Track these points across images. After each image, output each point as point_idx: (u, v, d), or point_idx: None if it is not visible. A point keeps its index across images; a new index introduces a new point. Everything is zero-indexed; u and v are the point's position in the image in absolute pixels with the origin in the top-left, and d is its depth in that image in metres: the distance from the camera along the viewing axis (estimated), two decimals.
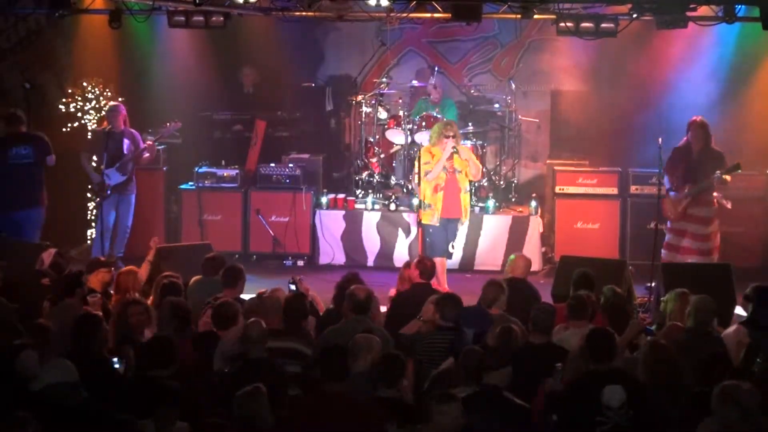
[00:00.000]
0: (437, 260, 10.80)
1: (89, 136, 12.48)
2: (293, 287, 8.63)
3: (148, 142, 12.08)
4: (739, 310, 9.28)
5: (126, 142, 11.92)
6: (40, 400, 5.91)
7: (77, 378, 6.18)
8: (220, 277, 8.82)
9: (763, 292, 7.89)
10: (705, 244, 11.00)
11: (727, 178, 10.89)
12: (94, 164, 12.13)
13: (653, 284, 10.53)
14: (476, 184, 12.29)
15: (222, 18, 11.46)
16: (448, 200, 10.86)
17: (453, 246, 11.11)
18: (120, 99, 13.04)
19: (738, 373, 6.55)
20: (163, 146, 12.97)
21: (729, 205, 11.07)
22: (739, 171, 10.99)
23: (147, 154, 12.09)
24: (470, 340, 7.32)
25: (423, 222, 11.04)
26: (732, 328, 8.01)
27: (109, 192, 11.81)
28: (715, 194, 11.03)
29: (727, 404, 5.77)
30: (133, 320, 7.69)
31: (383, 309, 8.93)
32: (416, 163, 12.09)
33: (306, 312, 8.02)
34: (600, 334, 6.63)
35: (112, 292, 9.07)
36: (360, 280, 8.57)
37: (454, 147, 10.71)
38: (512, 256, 9.58)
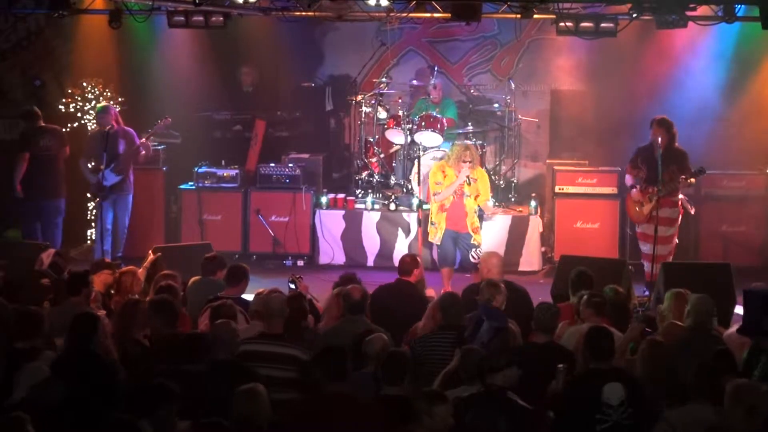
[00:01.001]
0: (443, 270, 10.97)
1: (87, 140, 12.38)
2: (293, 286, 8.64)
3: (142, 140, 12.06)
4: (739, 310, 9.27)
5: (121, 141, 11.88)
6: (24, 408, 5.93)
7: (47, 374, 6.32)
8: (221, 276, 8.84)
9: (751, 297, 7.88)
10: (665, 248, 10.94)
11: (692, 180, 10.93)
12: (90, 165, 12.09)
13: (646, 292, 10.56)
14: None
15: (222, 18, 11.47)
16: (452, 219, 10.90)
17: (474, 256, 10.81)
18: (120, 99, 13.05)
19: (741, 373, 6.56)
20: (162, 146, 12.98)
21: (693, 211, 11.06)
22: (704, 174, 11.02)
23: (143, 152, 12.09)
24: (485, 334, 7.25)
25: (428, 239, 11.25)
26: (734, 328, 8.01)
27: (106, 193, 11.80)
28: (681, 196, 11.00)
29: (739, 404, 5.79)
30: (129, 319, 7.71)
31: None
32: (416, 163, 12.14)
33: (305, 312, 8.04)
34: (599, 332, 6.63)
35: (113, 292, 9.07)
36: (357, 279, 8.57)
37: (468, 176, 10.72)
38: (483, 255, 9.57)
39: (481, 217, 11.33)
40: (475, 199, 10.92)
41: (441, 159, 11.65)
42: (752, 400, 5.78)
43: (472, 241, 10.89)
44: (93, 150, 11.99)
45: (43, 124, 12.04)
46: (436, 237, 10.97)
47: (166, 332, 7.30)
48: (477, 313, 7.51)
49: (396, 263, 12.08)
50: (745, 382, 5.95)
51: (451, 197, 10.88)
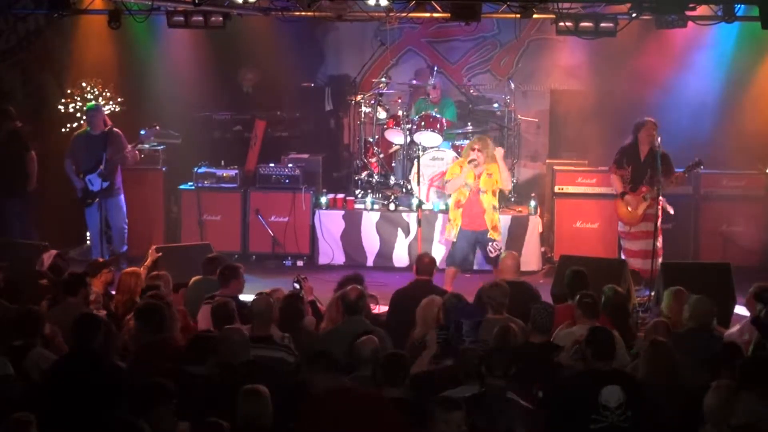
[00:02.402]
0: (448, 269, 10.85)
1: (71, 141, 12.25)
2: (297, 286, 8.64)
3: (128, 148, 12.00)
4: (738, 310, 9.28)
5: (107, 144, 11.74)
6: None
7: (11, 372, 6.43)
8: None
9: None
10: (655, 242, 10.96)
11: (685, 175, 11.02)
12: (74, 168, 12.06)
13: (646, 292, 10.54)
14: None
15: (221, 18, 11.46)
16: (468, 217, 10.72)
17: (491, 249, 10.66)
18: (119, 99, 13.04)
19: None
20: (162, 146, 12.97)
21: (671, 210, 11.03)
22: (702, 167, 11.01)
23: (129, 158, 12.04)
24: (469, 333, 7.24)
25: (445, 236, 11.19)
26: (735, 328, 8.01)
27: (93, 199, 11.75)
28: (660, 198, 10.95)
29: (719, 402, 5.84)
30: None
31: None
32: (416, 163, 12.13)
33: (302, 312, 8.02)
34: (602, 333, 6.62)
35: (113, 292, 9.07)
36: (360, 279, 8.56)
37: (472, 160, 10.53)
38: (502, 255, 9.60)
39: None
40: (493, 194, 10.72)
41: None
42: (720, 399, 5.82)
43: (488, 236, 10.70)
44: (79, 151, 11.92)
45: (20, 124, 12.10)
46: (452, 234, 10.81)
47: (153, 339, 7.25)
48: (454, 316, 7.45)
49: (396, 263, 12.24)
50: (726, 382, 5.98)
51: (466, 192, 10.71)
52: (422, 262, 9.12)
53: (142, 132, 12.21)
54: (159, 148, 12.89)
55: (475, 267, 11.43)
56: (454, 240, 10.80)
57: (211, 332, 7.26)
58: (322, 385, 6.24)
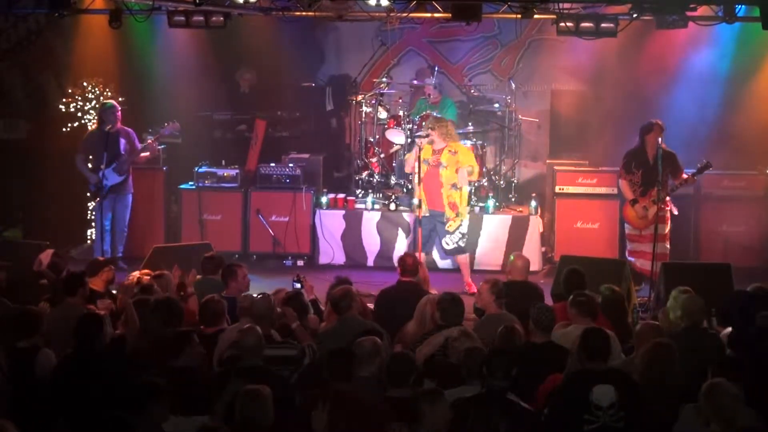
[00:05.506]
0: (460, 260, 11.19)
1: (85, 137, 12.38)
2: (298, 285, 8.65)
3: (149, 141, 12.11)
4: None
5: (122, 141, 11.91)
6: None
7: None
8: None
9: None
10: (664, 246, 10.94)
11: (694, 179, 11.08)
12: (90, 165, 12.09)
13: (649, 293, 10.52)
14: (476, 184, 12.35)
15: (222, 18, 11.45)
16: (429, 193, 11.11)
17: (447, 243, 11.12)
18: (120, 99, 13.04)
19: None
20: (163, 146, 12.97)
21: (675, 211, 11.02)
22: (710, 168, 11.02)
23: (147, 153, 12.11)
24: None
25: (416, 213, 11.37)
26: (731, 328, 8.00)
27: (106, 193, 11.80)
28: (667, 198, 10.98)
29: (710, 403, 5.88)
30: None
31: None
32: (416, 163, 12.14)
33: (306, 308, 8.04)
34: (595, 333, 6.61)
35: (114, 291, 9.07)
36: (349, 282, 8.55)
37: (421, 135, 11.04)
38: (511, 257, 9.63)
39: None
40: (456, 171, 11.01)
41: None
42: (723, 400, 5.83)
43: (447, 227, 11.00)
44: (92, 148, 11.98)
45: None
46: (423, 209, 11.12)
47: (160, 332, 7.30)
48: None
49: (396, 263, 12.18)
50: (720, 381, 5.99)
51: (425, 167, 11.02)
52: (405, 263, 9.13)
53: (161, 129, 12.29)
54: (160, 147, 12.90)
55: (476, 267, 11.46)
56: (427, 214, 11.08)
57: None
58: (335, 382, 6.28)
